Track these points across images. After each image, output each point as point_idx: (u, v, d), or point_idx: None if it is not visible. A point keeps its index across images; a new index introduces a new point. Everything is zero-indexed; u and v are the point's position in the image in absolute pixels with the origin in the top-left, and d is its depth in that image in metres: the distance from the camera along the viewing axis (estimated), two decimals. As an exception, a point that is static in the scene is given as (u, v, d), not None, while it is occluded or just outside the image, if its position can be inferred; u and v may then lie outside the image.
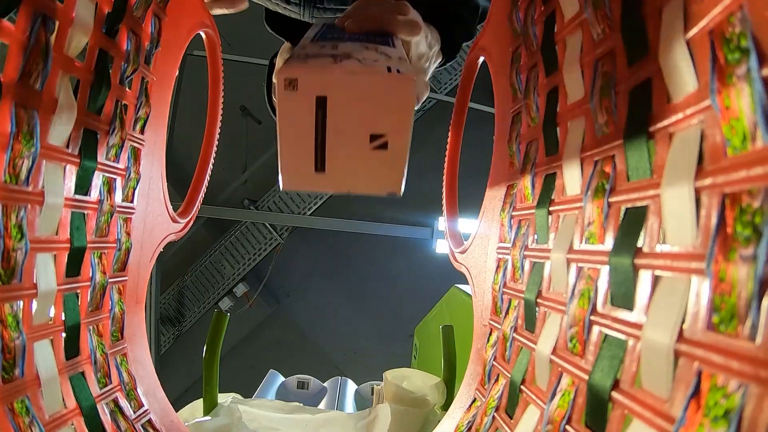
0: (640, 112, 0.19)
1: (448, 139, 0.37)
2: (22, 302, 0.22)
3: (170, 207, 0.34)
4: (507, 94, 0.29)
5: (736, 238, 0.15)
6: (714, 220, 0.15)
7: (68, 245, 0.25)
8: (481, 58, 0.32)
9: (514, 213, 0.27)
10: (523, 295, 0.25)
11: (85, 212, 0.26)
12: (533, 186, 0.26)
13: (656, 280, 0.17)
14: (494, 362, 0.27)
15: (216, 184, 2.11)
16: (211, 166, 0.41)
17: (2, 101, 0.20)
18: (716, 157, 0.16)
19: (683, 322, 0.16)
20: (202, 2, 0.35)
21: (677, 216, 0.17)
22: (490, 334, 0.28)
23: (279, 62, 0.73)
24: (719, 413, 0.15)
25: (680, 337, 0.16)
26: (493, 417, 0.26)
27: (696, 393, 0.15)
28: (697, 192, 0.16)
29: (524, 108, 0.27)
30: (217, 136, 0.42)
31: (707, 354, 0.15)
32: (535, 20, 0.25)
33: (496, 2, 0.29)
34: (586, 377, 0.20)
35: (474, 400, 0.28)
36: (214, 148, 0.42)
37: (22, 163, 0.22)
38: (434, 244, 2.19)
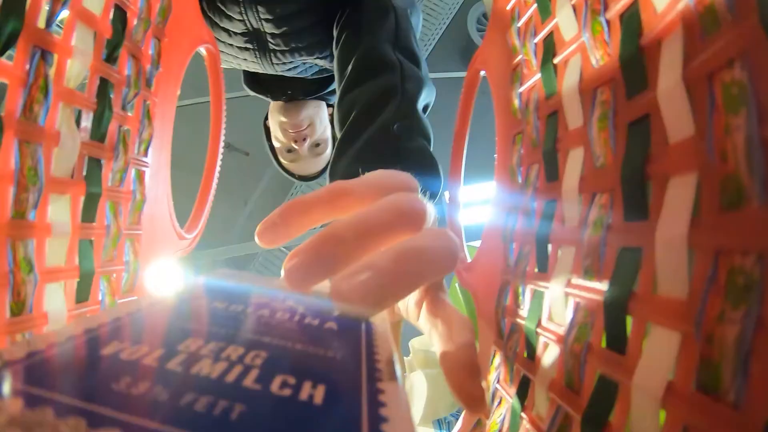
0: (637, 149, 0.18)
1: (450, 161, 0.36)
2: (33, 332, 0.23)
3: (177, 225, 0.35)
4: (507, 113, 0.28)
5: (726, 299, 0.14)
6: (706, 278, 0.15)
7: (77, 272, 0.25)
8: (482, 73, 0.31)
9: (515, 238, 0.27)
10: (524, 323, 0.25)
11: (92, 239, 0.27)
12: (534, 212, 0.25)
13: (647, 328, 0.17)
14: (497, 385, 0.27)
15: (223, 225, 2.13)
16: (216, 175, 0.41)
17: (4, 138, 0.21)
18: (711, 209, 0.15)
19: (673, 375, 0.16)
20: (200, 18, 0.35)
21: (670, 266, 0.16)
22: (494, 356, 0.28)
23: (271, 123, 0.72)
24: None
25: (668, 390, 0.16)
26: (495, 441, 0.26)
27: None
28: (692, 245, 0.15)
29: (525, 129, 0.26)
30: (222, 142, 0.42)
31: (692, 414, 0.14)
32: (534, 38, 0.24)
33: (495, 15, 0.28)
34: (580, 415, 0.20)
35: (478, 421, 0.29)
36: (220, 155, 0.42)
37: (28, 197, 0.22)
38: (446, 216, 2.11)
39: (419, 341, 0.45)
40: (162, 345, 0.10)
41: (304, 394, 0.09)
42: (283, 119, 0.68)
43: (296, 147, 0.70)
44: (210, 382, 0.09)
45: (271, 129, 0.73)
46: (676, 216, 0.16)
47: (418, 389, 0.37)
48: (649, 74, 0.18)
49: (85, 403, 0.08)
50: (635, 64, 0.18)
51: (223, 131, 0.42)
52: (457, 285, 0.45)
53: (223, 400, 0.08)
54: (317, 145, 0.72)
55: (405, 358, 0.45)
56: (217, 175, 0.41)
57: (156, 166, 0.33)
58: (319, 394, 0.09)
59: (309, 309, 0.15)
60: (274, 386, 0.09)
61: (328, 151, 0.75)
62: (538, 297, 0.24)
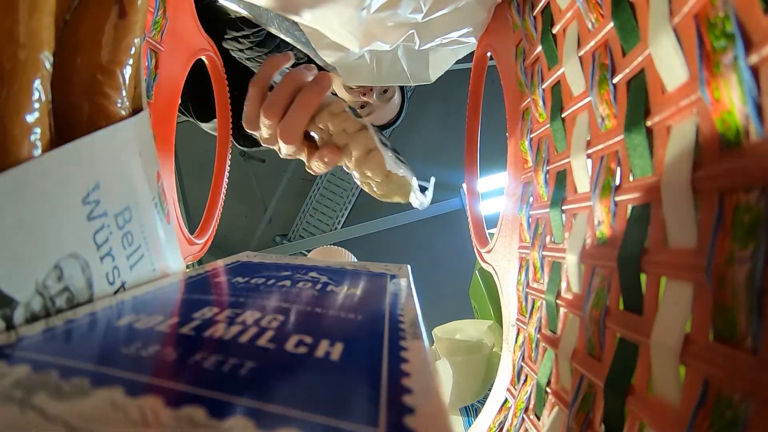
0: (637, 105, 0.18)
1: (465, 140, 0.36)
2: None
3: (186, 231, 0.36)
4: (515, 90, 0.28)
5: (734, 240, 0.14)
6: (713, 222, 0.14)
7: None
8: (489, 53, 0.31)
9: (531, 212, 0.26)
10: (544, 296, 0.25)
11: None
12: (546, 184, 0.25)
13: (661, 283, 0.17)
14: (522, 362, 0.27)
15: (244, 233, 2.16)
16: (225, 180, 0.43)
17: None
18: (711, 151, 0.15)
19: (689, 328, 0.15)
20: (199, 28, 0.36)
21: (677, 215, 0.16)
22: (518, 334, 0.28)
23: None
24: (724, 426, 0.14)
25: (686, 344, 0.15)
26: (523, 418, 0.26)
27: (703, 402, 0.15)
28: (696, 189, 0.15)
29: (532, 103, 0.26)
30: (230, 146, 0.43)
31: (712, 366, 0.14)
32: (533, 12, 0.24)
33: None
34: (602, 382, 0.19)
35: (505, 401, 0.28)
36: (228, 161, 0.43)
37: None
38: (467, 210, 2.06)
39: (442, 330, 0.44)
40: (177, 314, 0.10)
41: (320, 352, 0.09)
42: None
43: (366, 99, 0.69)
44: (222, 343, 0.09)
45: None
46: (678, 163, 0.16)
47: (443, 377, 0.37)
48: (640, 28, 0.17)
49: (93, 365, 0.08)
50: (627, 18, 0.18)
51: (231, 135, 0.43)
52: (477, 272, 0.45)
53: (234, 358, 0.08)
54: (384, 91, 0.70)
55: (429, 347, 0.44)
56: (226, 179, 0.42)
57: (161, 173, 0.34)
58: (337, 352, 0.09)
59: (332, 279, 0.15)
60: (289, 345, 0.09)
61: (397, 95, 0.73)
62: (556, 268, 0.24)
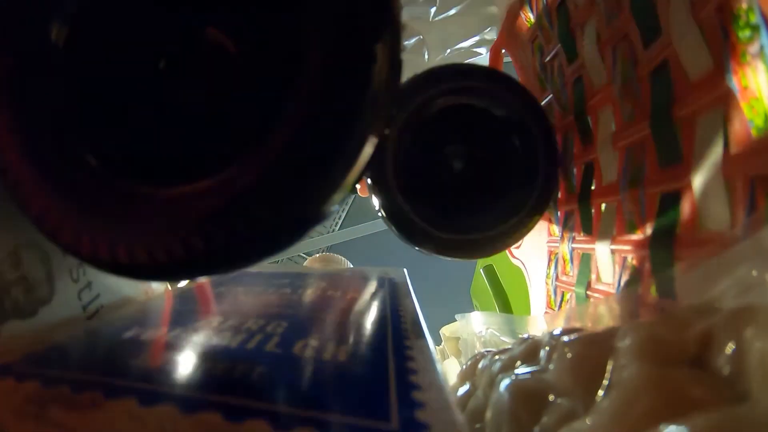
0: (662, 96, 0.18)
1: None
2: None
3: None
4: (534, 86, 0.28)
5: (766, 224, 0.14)
6: (744, 207, 0.15)
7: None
8: (503, 50, 0.31)
9: (558, 205, 0.27)
10: (574, 288, 0.25)
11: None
12: (574, 177, 0.25)
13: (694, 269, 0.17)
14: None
15: None
16: None
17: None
18: (741, 138, 0.15)
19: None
20: None
21: (709, 202, 0.16)
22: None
23: None
24: None
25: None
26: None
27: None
28: (727, 177, 0.15)
29: (553, 99, 0.26)
30: None
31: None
32: (548, 8, 0.25)
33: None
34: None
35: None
36: None
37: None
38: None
39: (450, 329, 0.45)
40: (181, 325, 0.11)
41: (327, 354, 0.09)
42: None
43: None
44: (229, 351, 0.09)
45: None
46: (707, 150, 0.16)
47: (452, 376, 0.37)
48: (661, 21, 0.18)
49: (103, 377, 0.08)
50: (647, 12, 0.18)
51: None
52: (481, 270, 0.45)
53: (243, 364, 0.08)
54: None
55: (437, 347, 0.44)
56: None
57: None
58: (344, 353, 0.09)
59: (331, 284, 0.15)
60: (296, 349, 0.09)
61: None
62: (585, 260, 0.24)
